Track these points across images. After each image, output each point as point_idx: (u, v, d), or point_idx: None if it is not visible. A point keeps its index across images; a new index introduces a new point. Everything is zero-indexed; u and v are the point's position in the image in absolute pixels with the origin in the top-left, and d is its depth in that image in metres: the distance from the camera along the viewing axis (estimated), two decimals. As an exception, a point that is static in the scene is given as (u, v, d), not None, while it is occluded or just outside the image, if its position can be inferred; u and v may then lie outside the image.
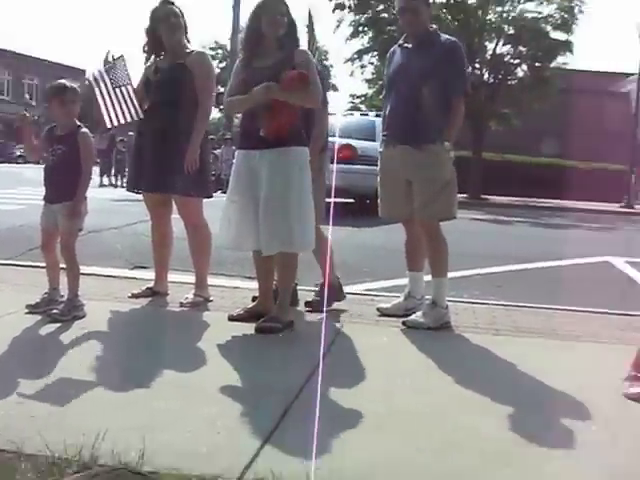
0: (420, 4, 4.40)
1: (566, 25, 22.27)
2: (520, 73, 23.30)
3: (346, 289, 4.94)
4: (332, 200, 4.70)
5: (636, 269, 7.86)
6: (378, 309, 4.61)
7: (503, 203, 20.57)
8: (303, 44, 4.40)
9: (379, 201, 4.66)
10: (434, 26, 4.51)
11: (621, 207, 21.48)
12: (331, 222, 4.52)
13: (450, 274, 4.52)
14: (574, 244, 10.59)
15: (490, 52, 22.71)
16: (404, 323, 4.26)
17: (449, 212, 4.38)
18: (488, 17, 22.37)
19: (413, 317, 4.31)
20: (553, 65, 22.64)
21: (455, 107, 4.33)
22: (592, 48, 47.25)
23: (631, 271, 7.85)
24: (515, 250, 9.38)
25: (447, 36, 4.51)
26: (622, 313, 5.02)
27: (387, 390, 3.07)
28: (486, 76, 22.84)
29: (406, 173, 4.38)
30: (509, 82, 22.99)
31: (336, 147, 9.93)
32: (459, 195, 4.60)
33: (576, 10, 22.33)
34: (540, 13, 22.38)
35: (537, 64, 22.38)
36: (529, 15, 22.37)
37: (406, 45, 4.52)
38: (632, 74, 24.73)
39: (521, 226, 14.25)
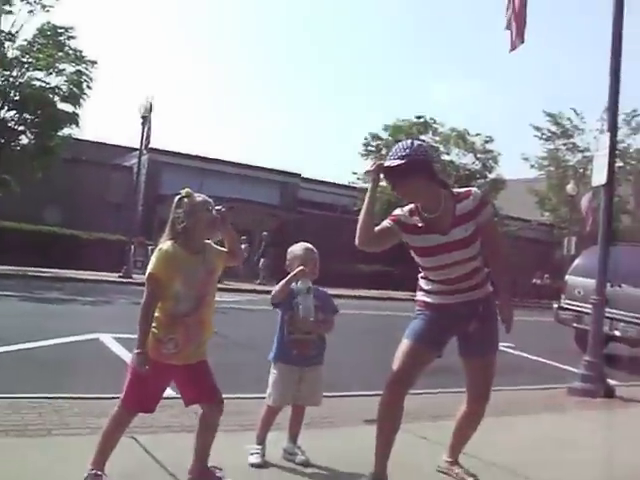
0: None
1: (74, 98, 22.75)
2: (25, 140, 22.90)
3: None
4: None
5: (122, 345, 8.07)
6: None
7: (-4, 273, 18.62)
8: None
9: None
10: None
11: (120, 277, 22.29)
12: None
13: None
14: (66, 320, 10.66)
15: (-5, 115, 21.94)
16: None
17: None
18: (-5, 79, 21.67)
19: None
20: (59, 135, 22.82)
21: None
22: (99, 121, 49.04)
23: (118, 348, 8.08)
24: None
25: None
26: (101, 397, 5.19)
27: None
28: (-9, 139, 21.96)
29: None
30: (12, 148, 22.44)
31: None
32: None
33: (84, 85, 23.03)
34: (48, 84, 22.52)
35: (42, 133, 22.27)
36: (36, 84, 22.33)
37: None
38: (135, 149, 26.26)
39: (10, 301, 13.18)
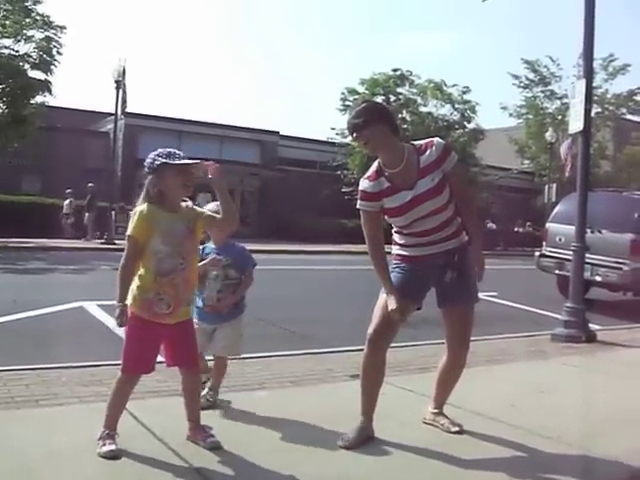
0: None
1: (45, 65, 22.28)
2: (-1, 111, 22.37)
3: None
4: None
5: (107, 312, 7.98)
6: None
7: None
8: None
9: None
10: None
11: (102, 244, 22.14)
12: None
13: None
14: (49, 290, 10.57)
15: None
16: None
17: None
18: None
19: None
20: (32, 103, 22.36)
21: None
22: (73, 87, 48.18)
23: (102, 315, 8.06)
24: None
25: None
26: (87, 365, 5.26)
27: None
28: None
29: None
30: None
31: None
32: None
33: (54, 51, 22.54)
34: (17, 51, 22.02)
35: (14, 102, 21.76)
36: (5, 52, 21.81)
37: None
38: (111, 114, 25.84)
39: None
